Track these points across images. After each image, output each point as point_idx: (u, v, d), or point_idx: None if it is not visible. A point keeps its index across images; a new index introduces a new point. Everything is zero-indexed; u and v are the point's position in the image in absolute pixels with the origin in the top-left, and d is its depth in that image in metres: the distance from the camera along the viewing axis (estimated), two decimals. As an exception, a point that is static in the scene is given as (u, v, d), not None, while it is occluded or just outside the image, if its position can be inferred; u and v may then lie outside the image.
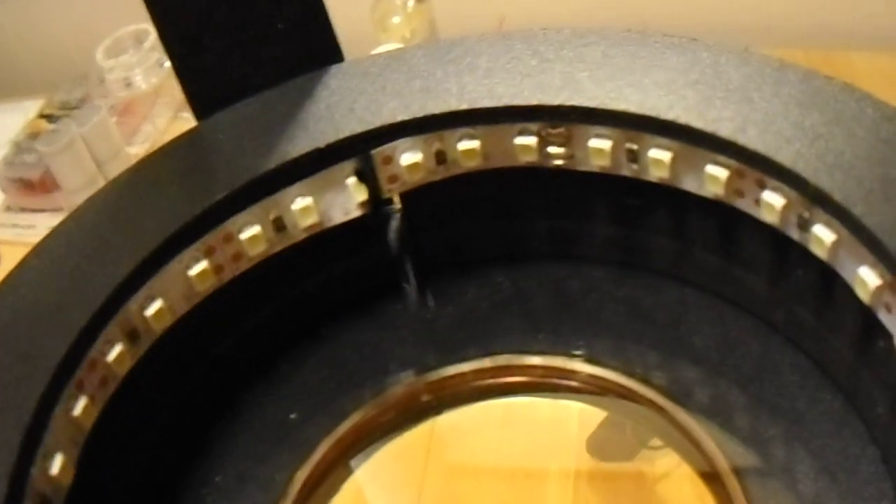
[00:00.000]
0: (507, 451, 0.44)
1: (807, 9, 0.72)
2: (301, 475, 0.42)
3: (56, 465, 0.36)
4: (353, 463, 0.43)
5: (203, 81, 0.45)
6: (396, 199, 0.43)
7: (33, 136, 0.68)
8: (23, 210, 0.68)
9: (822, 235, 0.37)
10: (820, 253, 0.38)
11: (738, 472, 0.40)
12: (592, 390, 0.43)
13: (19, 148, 0.68)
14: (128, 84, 0.71)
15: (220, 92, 0.44)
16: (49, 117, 0.74)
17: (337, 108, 0.42)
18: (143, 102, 0.71)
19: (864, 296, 0.36)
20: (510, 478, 0.45)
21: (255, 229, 0.41)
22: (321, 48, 0.45)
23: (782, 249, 0.40)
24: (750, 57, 0.40)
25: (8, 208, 0.68)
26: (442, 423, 0.44)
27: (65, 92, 0.75)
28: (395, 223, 0.44)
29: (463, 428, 0.45)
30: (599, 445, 0.44)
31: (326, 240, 0.43)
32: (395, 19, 0.67)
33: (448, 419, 0.44)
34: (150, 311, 0.40)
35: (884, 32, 0.71)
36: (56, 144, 0.62)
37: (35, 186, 0.66)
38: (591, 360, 0.43)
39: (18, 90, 0.83)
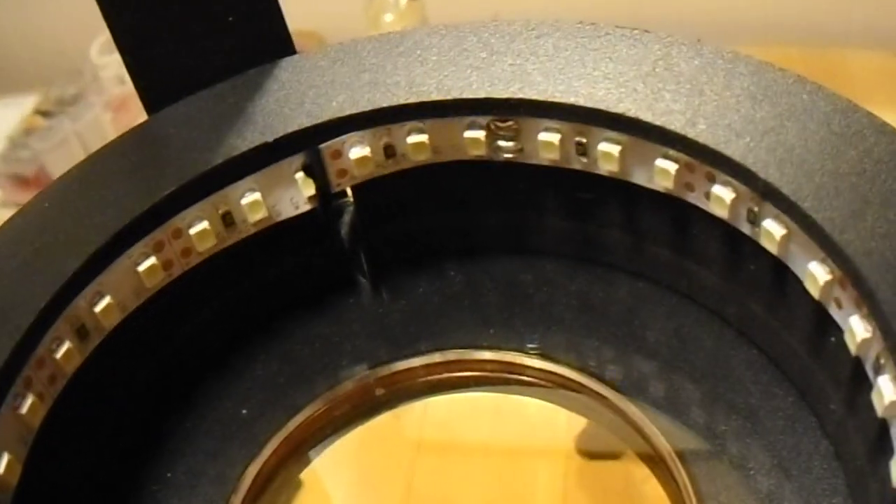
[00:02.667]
0: (461, 444, 0.44)
1: (802, 7, 0.70)
2: (252, 470, 0.40)
3: (2, 464, 0.34)
4: (305, 458, 0.42)
5: (154, 74, 0.43)
6: (348, 193, 0.41)
7: (28, 132, 0.67)
8: (17, 206, 0.66)
9: (772, 230, 0.36)
10: (770, 247, 0.36)
11: (692, 468, 0.38)
12: (544, 385, 0.41)
13: (14, 144, 0.66)
14: (122, 81, 0.69)
15: (171, 85, 0.43)
16: (44, 113, 0.73)
17: (286, 101, 0.41)
18: (138, 99, 0.69)
19: (814, 291, 0.35)
20: (467, 467, 0.44)
21: (203, 224, 0.40)
22: (273, 41, 0.43)
23: (734, 244, 0.39)
24: (702, 49, 0.39)
25: (3, 204, 0.66)
26: (393, 418, 0.43)
27: (59, 88, 0.73)
28: (346, 217, 0.42)
29: (413, 422, 0.44)
30: (551, 440, 0.41)
31: (277, 234, 0.42)
32: (388, 17, 0.66)
33: (400, 413, 0.43)
34: (99, 307, 0.39)
35: (879, 31, 0.69)
36: (51, 141, 0.60)
37: (30, 182, 0.65)
38: (543, 354, 0.42)
39: (13, 86, 0.81)
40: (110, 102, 0.74)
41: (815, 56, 0.67)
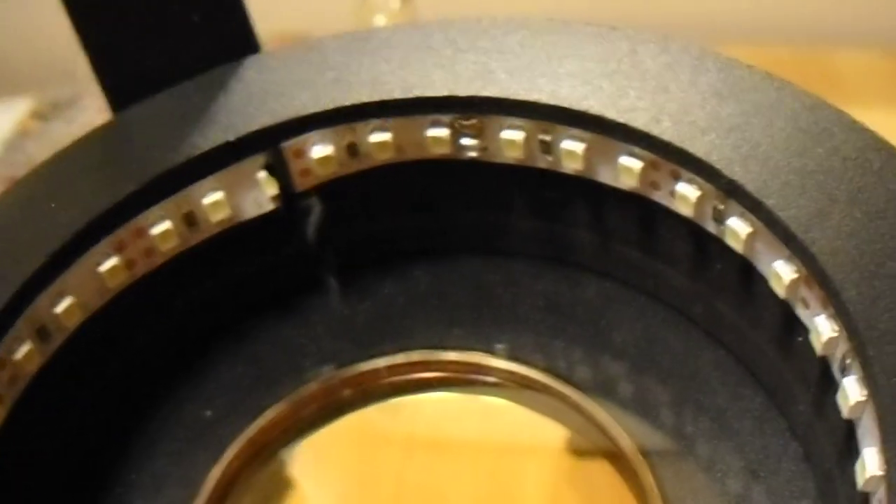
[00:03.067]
0: (427, 445, 0.42)
1: (792, 7, 0.69)
2: (216, 472, 0.39)
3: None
4: (270, 460, 0.41)
5: (118, 73, 0.42)
6: (313, 192, 0.39)
7: (23, 134, 0.65)
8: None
9: (737, 228, 0.35)
10: (736, 246, 0.35)
11: (659, 470, 0.37)
12: (510, 386, 0.40)
13: (8, 147, 0.64)
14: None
15: (136, 84, 0.42)
16: (39, 116, 0.71)
17: (250, 100, 0.39)
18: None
19: (779, 290, 0.34)
20: (433, 467, 0.42)
21: (166, 224, 0.39)
22: (238, 39, 0.42)
23: (701, 243, 0.37)
24: (669, 45, 0.38)
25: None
26: (358, 419, 0.42)
27: (54, 91, 0.71)
28: (310, 217, 0.40)
29: (378, 424, 0.42)
30: (516, 442, 0.41)
31: (241, 235, 0.40)
32: (380, 19, 0.64)
33: (364, 415, 0.42)
34: (60, 307, 0.37)
35: (869, 30, 0.68)
36: (45, 144, 0.58)
37: (24, 185, 0.63)
38: (509, 355, 0.40)
39: (7, 89, 0.80)
40: (105, 106, 0.72)
41: (804, 56, 0.67)
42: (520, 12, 0.39)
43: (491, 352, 0.41)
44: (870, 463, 0.30)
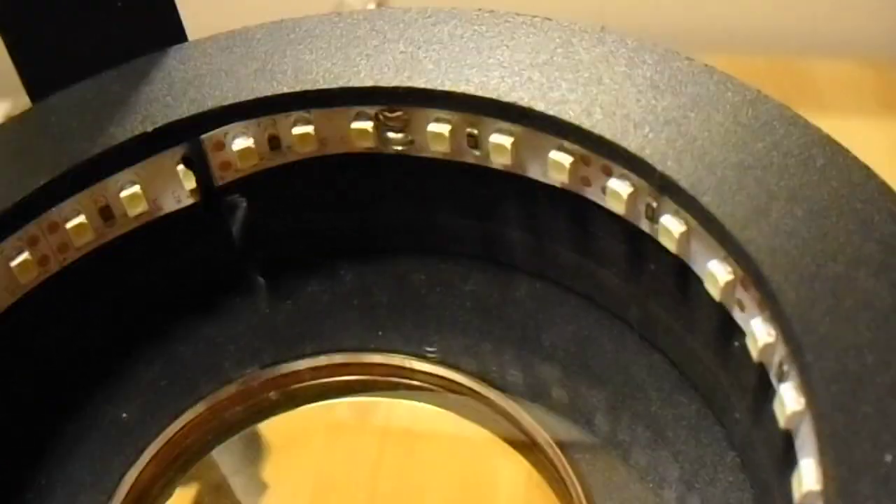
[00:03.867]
0: (347, 451, 0.39)
1: (768, 16, 0.66)
2: (130, 477, 0.35)
3: None
4: (186, 464, 0.37)
5: (38, 61, 0.39)
6: (234, 187, 0.35)
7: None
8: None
9: (671, 226, 0.32)
10: (669, 245, 0.32)
11: (589, 480, 0.34)
12: (435, 390, 0.37)
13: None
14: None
15: (57, 72, 0.38)
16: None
17: (171, 90, 0.36)
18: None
19: (714, 292, 0.31)
20: (352, 473, 0.39)
21: (80, 218, 0.35)
22: (163, 28, 0.39)
23: (634, 242, 0.34)
24: (605, 37, 0.35)
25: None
26: (277, 423, 0.38)
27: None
28: (231, 213, 0.36)
29: (299, 428, 0.39)
30: (439, 449, 0.38)
31: (160, 230, 0.37)
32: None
33: (283, 419, 0.38)
34: (-31, 304, 0.32)
35: (845, 39, 0.65)
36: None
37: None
38: (434, 358, 0.37)
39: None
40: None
41: (780, 65, 0.65)
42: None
43: (417, 354, 0.38)
44: (807, 476, 0.27)
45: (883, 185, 0.30)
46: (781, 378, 0.29)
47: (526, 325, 0.38)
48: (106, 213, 0.36)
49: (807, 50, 0.70)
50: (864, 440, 0.25)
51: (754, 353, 0.30)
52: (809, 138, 0.31)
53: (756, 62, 0.66)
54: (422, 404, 0.38)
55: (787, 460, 0.29)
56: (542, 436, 0.35)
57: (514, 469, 0.36)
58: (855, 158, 0.31)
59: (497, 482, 0.37)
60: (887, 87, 0.65)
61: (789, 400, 0.28)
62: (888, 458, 0.25)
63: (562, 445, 0.35)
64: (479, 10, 0.37)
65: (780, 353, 0.29)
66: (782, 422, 0.28)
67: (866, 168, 0.31)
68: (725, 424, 0.34)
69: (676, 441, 0.35)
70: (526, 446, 0.36)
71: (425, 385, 0.38)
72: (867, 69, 0.67)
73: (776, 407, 0.29)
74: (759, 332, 0.29)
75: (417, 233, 0.40)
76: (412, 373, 0.38)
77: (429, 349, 0.38)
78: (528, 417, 0.35)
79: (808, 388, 0.27)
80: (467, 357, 0.37)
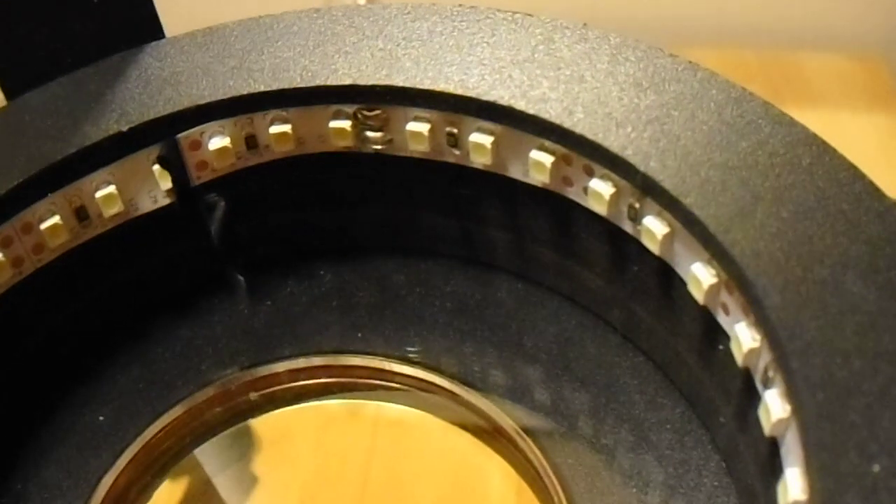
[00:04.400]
0: (324, 454, 0.38)
1: (757, 10, 0.65)
2: (107, 481, 0.34)
3: None
4: (164, 468, 0.36)
5: (13, 59, 0.37)
6: (211, 187, 0.34)
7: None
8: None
9: (654, 228, 0.31)
10: (652, 247, 0.31)
11: (572, 486, 0.33)
12: (415, 392, 0.36)
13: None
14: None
15: (32, 70, 0.37)
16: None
17: (148, 88, 0.35)
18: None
19: (698, 295, 0.30)
20: (329, 477, 0.38)
21: (55, 219, 0.34)
22: (140, 24, 0.37)
23: (617, 243, 0.33)
24: (587, 33, 0.33)
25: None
26: (255, 426, 0.37)
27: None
28: (208, 213, 0.35)
29: (275, 431, 0.38)
30: (420, 453, 0.37)
31: (137, 230, 0.36)
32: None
33: (261, 422, 0.37)
34: (-58, 305, 0.31)
35: (834, 34, 0.64)
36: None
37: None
38: (414, 359, 0.36)
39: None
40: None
41: (770, 59, 0.65)
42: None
43: (397, 356, 0.37)
44: (792, 486, 0.25)
45: (870, 185, 0.29)
46: (767, 384, 0.28)
47: (507, 327, 0.37)
48: (81, 214, 0.35)
49: (796, 44, 0.69)
50: (851, 450, 0.24)
51: (739, 359, 0.29)
52: (795, 137, 0.30)
53: (745, 56, 0.66)
54: (402, 406, 0.37)
55: (773, 467, 0.28)
56: (524, 439, 0.33)
57: (496, 472, 0.35)
58: (841, 157, 0.30)
59: (478, 485, 0.36)
60: (876, 80, 0.64)
61: (774, 407, 0.27)
62: (876, 468, 0.24)
63: (544, 449, 0.33)
64: (460, 5, 0.35)
65: (766, 358, 0.27)
66: (767, 429, 0.27)
67: (853, 167, 0.29)
68: (710, 428, 0.33)
69: (660, 444, 0.33)
70: (507, 450, 0.34)
71: (405, 387, 0.37)
72: (856, 63, 0.66)
73: (761, 414, 0.28)
74: (744, 337, 0.28)
75: (397, 232, 0.39)
76: (392, 375, 0.36)
77: (409, 350, 0.37)
78: (510, 421, 0.34)
79: (793, 395, 0.26)
80: (448, 359, 0.36)
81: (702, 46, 0.67)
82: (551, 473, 0.32)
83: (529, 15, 0.35)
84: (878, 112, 0.61)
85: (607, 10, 0.69)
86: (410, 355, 0.36)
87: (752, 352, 0.28)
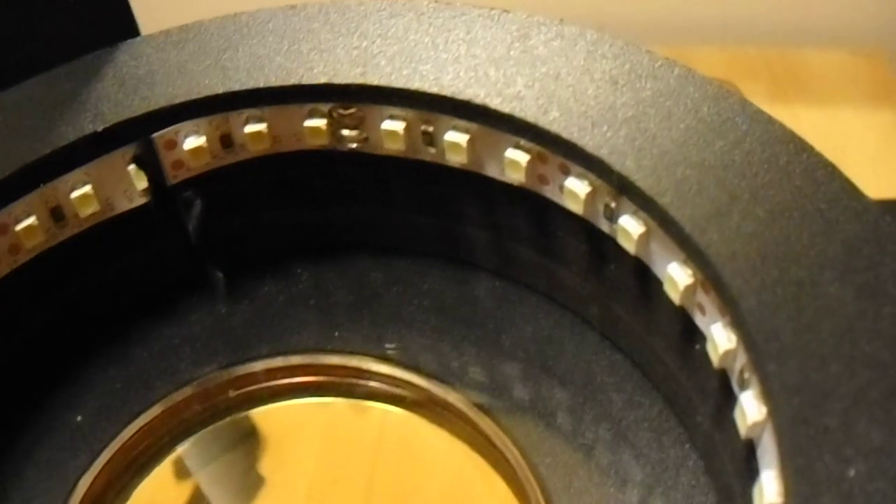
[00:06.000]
0: (304, 452, 0.37)
1: (760, 6, 0.64)
2: (85, 482, 0.33)
3: None
4: (142, 468, 0.35)
5: None
6: (187, 186, 0.33)
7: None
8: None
9: (629, 228, 0.30)
10: (628, 247, 0.30)
11: (549, 484, 0.32)
12: (393, 391, 0.35)
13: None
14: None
15: (5, 69, 0.36)
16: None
17: (123, 87, 0.34)
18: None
19: (674, 295, 0.29)
20: (308, 476, 0.36)
21: (31, 220, 0.33)
22: (115, 22, 0.36)
23: (594, 241, 0.32)
24: (564, 30, 0.33)
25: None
26: (233, 426, 0.36)
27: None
28: (185, 212, 0.34)
29: (255, 429, 0.37)
30: (399, 453, 0.36)
31: (113, 230, 0.35)
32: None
33: (239, 421, 0.36)
34: (-83, 307, 0.31)
35: (837, 30, 0.63)
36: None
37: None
38: (391, 358, 0.35)
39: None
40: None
41: (773, 55, 0.64)
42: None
43: (374, 355, 0.36)
44: (768, 489, 0.25)
45: (847, 183, 0.28)
46: (743, 386, 0.27)
47: (485, 325, 0.36)
48: (57, 214, 0.34)
49: (799, 40, 0.68)
50: (827, 454, 0.24)
51: (715, 360, 0.28)
52: (772, 135, 0.30)
53: (748, 52, 0.65)
54: (379, 405, 0.36)
55: (750, 468, 0.27)
56: (501, 438, 0.33)
57: (474, 471, 0.34)
58: (819, 155, 0.29)
59: (455, 484, 0.35)
60: (879, 76, 0.63)
61: (750, 410, 0.26)
62: (851, 473, 0.23)
63: (522, 447, 0.33)
64: (437, 1, 0.34)
65: (742, 360, 0.27)
66: (743, 431, 0.27)
67: (830, 165, 0.29)
68: (688, 427, 0.32)
69: (638, 443, 0.33)
70: (485, 448, 0.34)
71: (383, 386, 0.36)
72: (859, 58, 0.65)
73: (737, 416, 0.27)
74: (720, 338, 0.28)
75: (374, 231, 0.38)
76: (370, 374, 0.36)
77: (387, 348, 0.36)
78: (488, 419, 0.34)
79: (769, 398, 0.25)
80: (426, 357, 0.35)
81: (705, 43, 0.66)
82: (528, 472, 0.32)
83: (506, 11, 0.34)
84: (881, 107, 0.60)
85: (613, 8, 0.68)
86: (388, 354, 0.36)
87: (727, 353, 0.27)
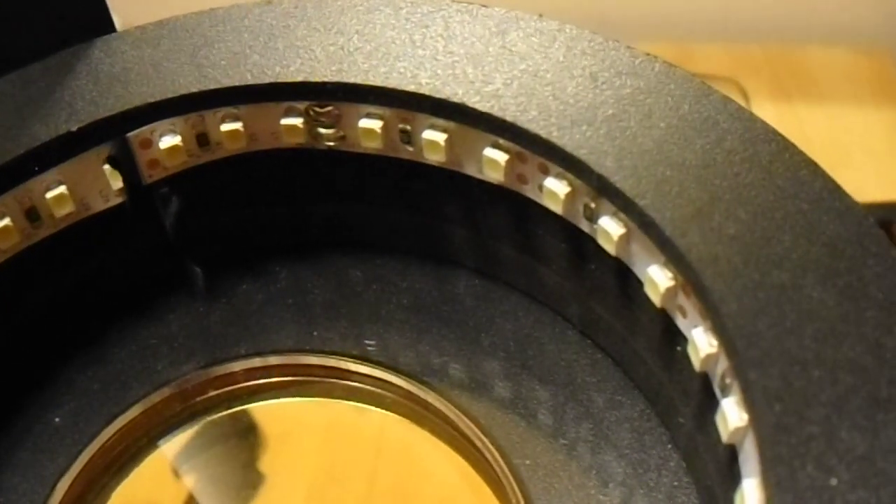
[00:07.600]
0: (285, 451, 0.36)
1: (763, 4, 0.63)
2: (63, 484, 0.33)
3: None
4: (121, 469, 0.34)
5: None
6: (163, 185, 0.32)
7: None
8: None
9: (609, 229, 0.29)
10: (608, 248, 0.30)
11: (529, 485, 0.31)
12: (372, 391, 0.35)
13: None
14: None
15: (-22, 66, 0.34)
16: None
17: (97, 85, 0.33)
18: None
19: (655, 298, 0.28)
20: (287, 477, 0.36)
21: (6, 221, 0.32)
22: (89, 18, 0.35)
23: (575, 240, 0.32)
24: (543, 26, 0.31)
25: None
26: (211, 427, 0.36)
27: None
28: (161, 211, 0.33)
29: (234, 432, 0.36)
30: (378, 452, 0.36)
31: (89, 230, 0.34)
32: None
33: (218, 422, 0.36)
34: None
35: (841, 27, 0.62)
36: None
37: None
38: (370, 358, 0.35)
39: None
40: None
41: (777, 53, 0.63)
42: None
43: (353, 354, 0.35)
44: (749, 496, 0.24)
45: (830, 183, 0.27)
46: (724, 391, 0.26)
47: (465, 323, 0.35)
48: (32, 215, 0.33)
49: (802, 38, 0.68)
50: (809, 463, 0.23)
51: (696, 364, 0.27)
52: (754, 133, 0.29)
53: (752, 50, 0.64)
54: (358, 405, 0.35)
55: (732, 473, 0.27)
56: (481, 438, 0.32)
57: (454, 470, 0.33)
58: (802, 154, 0.28)
59: (435, 484, 0.34)
60: (882, 74, 0.63)
61: (732, 416, 0.26)
62: (834, 481, 0.23)
63: (501, 447, 0.32)
64: (416, -3, 0.34)
65: (723, 364, 0.26)
66: (725, 436, 0.26)
67: (813, 164, 0.28)
68: (670, 428, 0.32)
69: (620, 443, 0.32)
70: (465, 448, 0.33)
71: (362, 386, 0.35)
72: (862, 57, 0.65)
73: (719, 421, 0.26)
74: (701, 343, 0.27)
75: (352, 229, 0.37)
76: (349, 373, 0.35)
77: (367, 347, 0.35)
78: (467, 420, 0.33)
79: (750, 405, 0.24)
80: (405, 356, 0.35)
81: (708, 41, 0.65)
82: (508, 473, 0.31)
83: (484, 6, 0.33)
84: (884, 105, 0.60)
85: (616, 6, 0.68)
86: (367, 353, 0.35)
87: (709, 357, 0.27)
